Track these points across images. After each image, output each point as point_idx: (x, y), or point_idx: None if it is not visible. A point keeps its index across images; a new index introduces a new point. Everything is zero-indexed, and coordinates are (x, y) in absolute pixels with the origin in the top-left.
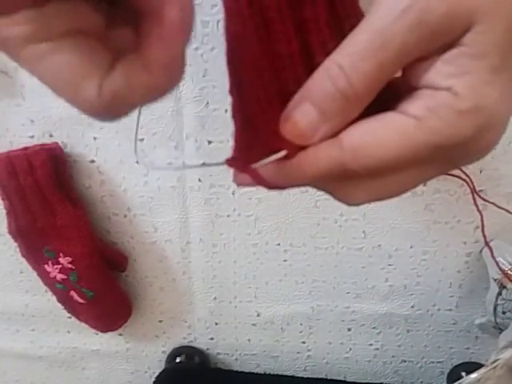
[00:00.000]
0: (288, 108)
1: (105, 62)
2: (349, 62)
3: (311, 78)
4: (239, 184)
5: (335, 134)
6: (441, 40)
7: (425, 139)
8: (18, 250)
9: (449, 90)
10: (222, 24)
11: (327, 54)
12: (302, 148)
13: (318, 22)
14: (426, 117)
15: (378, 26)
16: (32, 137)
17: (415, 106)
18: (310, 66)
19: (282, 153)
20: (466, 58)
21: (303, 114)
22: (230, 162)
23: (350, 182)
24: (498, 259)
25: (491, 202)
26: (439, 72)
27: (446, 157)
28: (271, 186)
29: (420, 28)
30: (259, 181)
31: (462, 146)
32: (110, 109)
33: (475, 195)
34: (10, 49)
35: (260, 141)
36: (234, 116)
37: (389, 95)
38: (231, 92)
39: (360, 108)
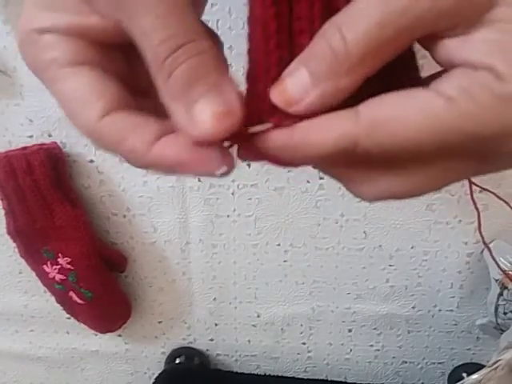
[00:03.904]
0: (283, 74)
1: (118, 98)
2: (347, 21)
3: (312, 41)
4: (241, 157)
5: (330, 108)
6: (462, 12)
7: (454, 123)
8: (16, 250)
9: (489, 70)
10: (221, 23)
11: None
12: (296, 121)
13: None
14: (459, 97)
15: None
16: (31, 136)
17: (447, 84)
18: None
19: (268, 125)
20: (506, 34)
21: (295, 77)
22: None
23: (362, 170)
24: (499, 259)
25: (492, 192)
26: (477, 49)
27: (479, 152)
28: (272, 160)
29: None
30: (254, 153)
31: (500, 139)
32: (97, 142)
33: (473, 192)
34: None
35: (255, 111)
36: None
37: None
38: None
39: (354, 74)
